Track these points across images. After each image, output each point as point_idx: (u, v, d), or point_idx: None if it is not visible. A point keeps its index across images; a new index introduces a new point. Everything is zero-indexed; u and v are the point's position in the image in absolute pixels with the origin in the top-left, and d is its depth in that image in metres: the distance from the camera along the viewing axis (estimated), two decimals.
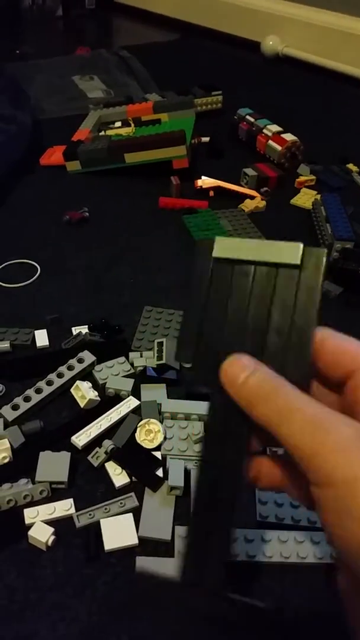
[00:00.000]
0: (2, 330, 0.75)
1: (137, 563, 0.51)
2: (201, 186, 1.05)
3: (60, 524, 0.54)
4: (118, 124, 1.23)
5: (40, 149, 1.18)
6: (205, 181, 1.06)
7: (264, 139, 1.16)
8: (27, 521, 0.54)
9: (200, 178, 1.06)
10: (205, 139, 1.23)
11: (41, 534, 0.52)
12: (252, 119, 1.22)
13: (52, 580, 0.51)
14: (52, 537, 0.52)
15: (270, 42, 1.80)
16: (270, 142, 1.15)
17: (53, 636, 0.47)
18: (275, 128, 1.17)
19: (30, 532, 0.52)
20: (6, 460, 0.59)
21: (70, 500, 0.56)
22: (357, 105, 1.46)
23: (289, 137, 1.13)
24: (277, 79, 1.64)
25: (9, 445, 0.59)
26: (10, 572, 0.51)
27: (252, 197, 1.04)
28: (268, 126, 1.18)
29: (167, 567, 0.51)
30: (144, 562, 0.52)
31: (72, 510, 0.55)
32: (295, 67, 1.73)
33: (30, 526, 0.54)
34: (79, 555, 0.53)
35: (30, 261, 0.88)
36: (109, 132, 1.20)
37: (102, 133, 1.21)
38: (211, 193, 1.06)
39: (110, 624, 0.48)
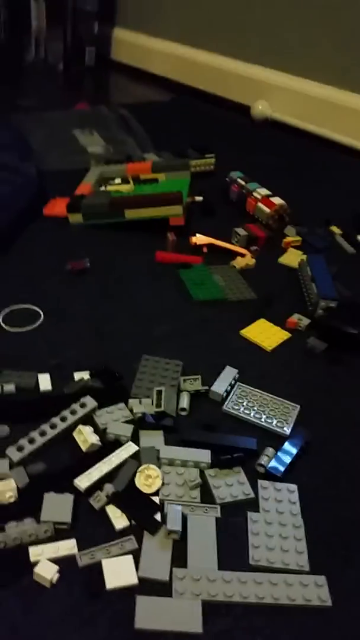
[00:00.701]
0: (6, 373, 0.78)
1: (137, 602, 0.54)
2: (195, 243, 1.12)
3: (63, 562, 0.57)
4: (118, 180, 1.30)
5: (43, 199, 1.24)
6: (199, 238, 1.13)
7: (254, 201, 1.25)
8: (32, 558, 0.57)
9: (195, 235, 1.13)
10: (199, 198, 1.31)
11: (46, 572, 0.55)
12: (242, 182, 1.30)
13: (55, 616, 0.53)
14: (57, 575, 0.55)
15: (260, 107, 1.92)
16: (260, 204, 1.23)
17: None
18: (264, 191, 1.25)
19: (36, 569, 0.55)
20: (12, 500, 0.62)
21: (73, 541, 0.59)
22: (339, 170, 1.57)
23: (277, 200, 1.22)
24: (266, 142, 1.75)
25: (14, 485, 0.62)
26: (14, 608, 0.54)
27: (242, 255, 1.11)
28: (258, 189, 1.26)
29: (166, 606, 0.54)
30: (143, 601, 0.55)
31: (75, 550, 0.58)
32: (283, 131, 1.84)
33: (34, 563, 0.56)
34: (81, 592, 0.55)
35: (34, 307, 0.93)
36: (110, 188, 1.27)
37: (103, 188, 1.28)
38: (205, 249, 1.12)
39: None
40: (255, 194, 1.25)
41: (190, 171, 1.32)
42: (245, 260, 1.09)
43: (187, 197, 1.20)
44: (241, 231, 1.15)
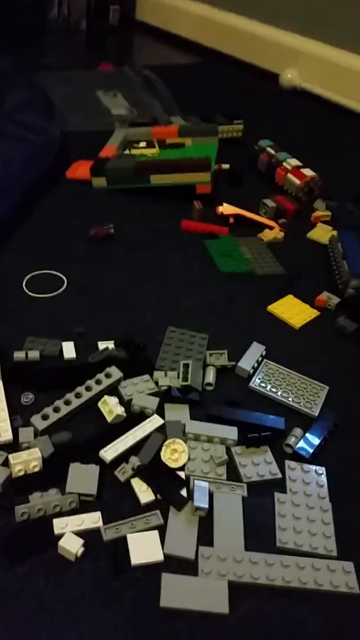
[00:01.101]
0: (31, 340, 0.76)
1: (163, 580, 0.53)
2: (222, 212, 1.09)
3: (87, 536, 0.56)
4: (142, 144, 1.26)
5: (65, 161, 1.21)
6: (226, 208, 1.09)
7: (283, 171, 1.20)
8: (57, 531, 0.56)
9: (222, 204, 1.10)
10: (226, 166, 1.26)
11: (71, 545, 0.54)
12: (272, 151, 1.25)
13: (80, 591, 0.52)
14: (82, 549, 0.54)
15: (289, 75, 1.85)
16: (289, 175, 1.18)
17: None
18: (294, 162, 1.21)
19: (61, 543, 0.54)
20: (37, 469, 0.60)
21: (98, 514, 0.58)
22: None
23: (307, 172, 1.17)
24: (294, 112, 1.69)
25: (40, 454, 0.61)
26: (38, 580, 0.53)
27: (270, 227, 1.07)
28: (288, 160, 1.21)
29: (191, 585, 0.53)
30: (169, 579, 0.53)
31: (100, 523, 0.57)
32: (311, 101, 1.78)
33: (59, 536, 0.55)
34: (105, 567, 0.54)
35: (57, 273, 0.90)
36: (134, 152, 1.23)
37: (127, 152, 1.23)
38: (231, 220, 1.09)
39: (136, 637, 0.50)
40: (285, 164, 1.20)
41: (218, 137, 1.27)
42: (274, 233, 1.05)
43: (214, 164, 1.16)
44: (269, 202, 1.11)
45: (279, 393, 0.74)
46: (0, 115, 1.17)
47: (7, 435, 0.63)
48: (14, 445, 0.63)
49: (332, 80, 1.77)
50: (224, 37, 2.07)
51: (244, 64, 2.01)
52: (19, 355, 0.73)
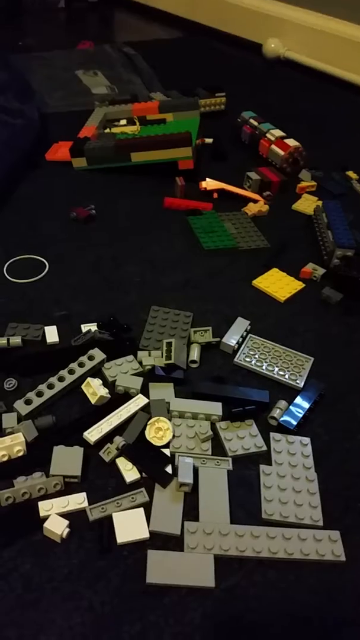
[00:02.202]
0: (13, 325, 0.76)
1: (149, 556, 0.54)
2: (205, 188, 1.07)
3: (73, 517, 0.56)
4: (123, 121, 1.24)
5: (45, 143, 1.19)
6: (209, 183, 1.08)
7: (267, 143, 1.18)
8: (42, 513, 0.56)
9: (205, 180, 1.08)
10: (209, 141, 1.25)
11: (56, 527, 0.54)
12: (255, 123, 1.23)
13: (66, 571, 0.53)
14: (67, 530, 0.54)
15: (272, 45, 1.81)
16: (273, 146, 1.17)
17: (68, 624, 0.49)
18: (278, 133, 1.19)
19: (46, 525, 0.54)
20: (20, 454, 0.61)
21: (83, 494, 0.58)
22: (357, 112, 1.48)
23: (291, 142, 1.15)
24: (278, 82, 1.66)
25: (23, 439, 0.61)
26: (25, 563, 0.53)
27: (255, 201, 1.06)
28: (271, 130, 1.19)
29: (177, 561, 0.54)
30: (155, 556, 0.54)
31: (85, 504, 0.57)
32: (296, 71, 1.74)
33: (44, 518, 0.55)
34: (92, 547, 0.55)
35: (38, 257, 0.90)
36: (114, 130, 1.21)
37: (107, 130, 1.22)
38: (215, 195, 1.07)
39: (123, 613, 0.50)
40: (268, 136, 1.18)
41: (200, 111, 1.25)
42: (258, 206, 1.04)
43: (197, 139, 1.14)
44: (253, 175, 1.09)
45: (264, 366, 0.74)
46: None
47: None
48: None
49: (316, 48, 1.74)
50: (205, 10, 2.03)
51: (226, 35, 1.97)
52: (0, 341, 0.73)
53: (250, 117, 1.26)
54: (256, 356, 0.75)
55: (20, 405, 0.65)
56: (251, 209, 1.04)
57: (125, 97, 1.34)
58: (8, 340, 0.73)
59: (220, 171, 1.13)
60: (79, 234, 0.97)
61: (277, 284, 0.87)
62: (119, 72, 1.60)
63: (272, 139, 1.18)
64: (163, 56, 1.72)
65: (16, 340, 0.73)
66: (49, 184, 1.09)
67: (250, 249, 0.95)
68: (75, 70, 1.59)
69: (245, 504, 0.59)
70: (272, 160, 1.18)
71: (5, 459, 0.60)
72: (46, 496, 0.58)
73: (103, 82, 1.53)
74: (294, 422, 0.66)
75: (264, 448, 0.64)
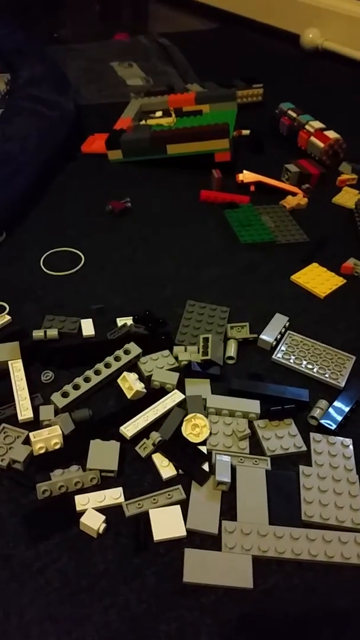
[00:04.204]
0: (49, 318, 0.76)
1: (186, 555, 0.53)
2: (242, 180, 1.05)
3: (109, 512, 0.56)
4: (159, 113, 1.23)
5: (81, 135, 1.18)
6: (246, 175, 1.06)
7: (306, 135, 1.16)
8: (78, 508, 0.56)
9: (242, 172, 1.06)
10: (246, 132, 1.22)
11: (93, 521, 0.54)
12: (294, 114, 1.21)
13: (102, 567, 0.52)
14: (104, 525, 0.54)
15: (310, 35, 1.77)
16: (313, 138, 1.14)
17: (105, 621, 0.49)
18: (317, 124, 1.16)
19: (83, 519, 0.54)
20: (57, 446, 0.60)
21: (120, 489, 0.57)
22: None
23: (331, 134, 1.13)
24: (316, 73, 1.62)
25: (60, 432, 0.61)
26: (61, 557, 0.53)
27: (293, 194, 1.04)
28: (310, 122, 1.17)
29: (215, 560, 0.53)
30: (192, 555, 0.53)
31: (122, 499, 0.56)
32: (334, 62, 1.70)
33: (80, 513, 0.55)
34: (128, 543, 0.54)
35: (74, 250, 0.89)
36: (150, 122, 1.20)
37: (143, 122, 1.20)
38: (252, 188, 1.05)
39: (160, 612, 0.49)
40: (307, 127, 1.16)
41: (237, 102, 1.23)
42: (297, 199, 1.01)
43: (234, 130, 1.12)
44: (292, 168, 1.07)
45: (303, 364, 0.72)
46: (15, 91, 1.16)
47: (28, 414, 0.63)
48: (34, 424, 0.63)
49: (356, 37, 1.69)
50: (242, 0, 2.00)
51: (262, 26, 1.93)
52: (37, 333, 0.73)
53: (288, 108, 1.23)
54: (295, 353, 0.73)
55: (57, 398, 0.64)
56: (289, 202, 1.01)
57: (161, 89, 1.33)
58: (45, 332, 0.73)
59: (258, 163, 1.11)
60: (114, 226, 0.96)
61: (317, 280, 0.85)
62: (154, 63, 1.58)
63: (312, 130, 1.15)
64: (198, 47, 1.70)
65: (53, 332, 0.73)
66: (85, 176, 1.09)
67: (288, 243, 0.93)
68: (110, 62, 1.58)
69: (284, 505, 0.58)
70: (311, 153, 1.15)
71: (42, 451, 0.60)
72: (82, 490, 0.57)
73: (138, 73, 1.52)
74: (336, 423, 0.64)
75: (304, 448, 0.62)
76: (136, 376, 0.68)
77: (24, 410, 0.64)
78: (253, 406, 0.65)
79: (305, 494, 0.58)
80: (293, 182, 1.07)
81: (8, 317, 0.76)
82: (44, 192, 1.03)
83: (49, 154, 1.06)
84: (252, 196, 1.03)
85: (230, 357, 0.73)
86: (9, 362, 0.68)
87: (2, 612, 0.49)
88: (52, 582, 0.51)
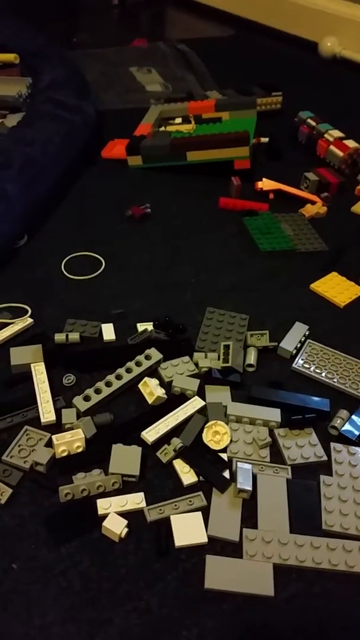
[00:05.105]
0: (71, 322, 0.76)
1: (207, 561, 0.53)
2: (262, 188, 1.06)
3: (130, 516, 0.56)
4: (178, 120, 1.23)
5: (101, 140, 1.19)
6: (265, 183, 1.06)
7: (325, 143, 1.16)
8: (100, 512, 0.56)
9: (261, 180, 1.07)
10: (265, 140, 1.23)
11: (115, 526, 0.54)
12: (313, 123, 1.21)
13: (124, 572, 0.53)
14: (126, 530, 0.54)
15: (328, 44, 1.77)
16: (332, 147, 1.14)
17: (126, 625, 0.49)
18: (337, 133, 1.16)
19: (105, 523, 0.54)
20: (80, 450, 0.61)
21: (142, 494, 0.58)
22: None
23: (351, 143, 1.13)
24: (334, 82, 1.63)
25: (83, 435, 0.61)
26: (83, 561, 0.53)
27: (312, 202, 1.04)
28: (330, 131, 1.17)
29: (236, 567, 0.53)
30: (213, 561, 0.53)
31: (143, 504, 0.57)
32: (353, 70, 1.71)
33: (102, 516, 0.55)
34: (149, 548, 0.54)
35: (95, 254, 0.90)
36: (169, 128, 1.21)
37: (163, 128, 1.21)
38: (271, 195, 1.06)
39: (182, 617, 0.50)
40: (326, 136, 1.16)
41: (256, 110, 1.23)
42: (316, 208, 1.02)
43: (253, 138, 1.13)
44: (311, 176, 1.07)
45: (324, 374, 0.72)
46: (36, 94, 1.17)
47: (51, 416, 0.64)
48: (57, 426, 0.64)
49: None
50: (259, 7, 2.00)
51: (280, 34, 1.94)
52: (59, 337, 0.74)
53: (307, 117, 1.23)
54: (315, 362, 0.73)
55: (79, 402, 0.65)
56: (308, 210, 1.02)
57: (180, 95, 1.34)
58: (67, 335, 0.73)
59: (276, 172, 1.11)
60: (134, 232, 0.97)
61: (336, 289, 0.85)
62: (173, 69, 1.59)
63: (331, 139, 1.16)
64: (216, 54, 1.70)
65: (74, 336, 0.74)
66: (105, 181, 1.10)
67: (307, 252, 0.93)
68: (129, 67, 1.59)
69: (305, 514, 0.58)
70: (330, 161, 1.15)
71: (64, 454, 0.60)
72: (104, 494, 0.58)
73: (157, 79, 1.53)
74: (357, 433, 0.64)
75: (324, 458, 0.62)
76: (157, 381, 0.68)
77: (46, 412, 0.64)
78: (274, 414, 0.65)
79: (325, 504, 0.58)
80: (312, 190, 1.07)
81: (30, 320, 0.76)
82: (64, 196, 1.04)
83: (69, 159, 1.07)
84: (271, 204, 1.04)
85: (250, 365, 0.73)
86: (32, 365, 0.69)
87: (25, 613, 0.50)
88: (74, 584, 0.52)
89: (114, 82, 1.51)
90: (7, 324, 0.76)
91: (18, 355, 0.70)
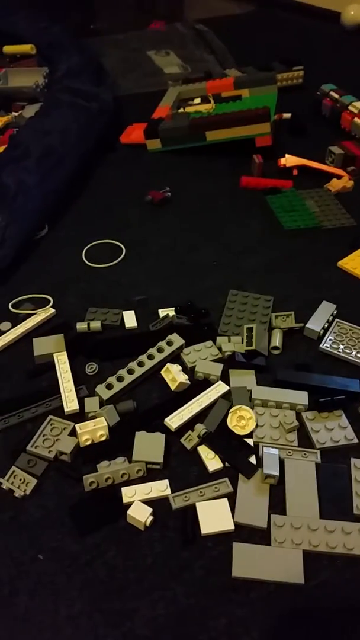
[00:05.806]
0: (92, 310, 0.76)
1: (234, 549, 0.52)
2: (285, 165, 1.02)
3: (155, 504, 0.55)
4: (197, 100, 1.21)
5: (119, 126, 1.18)
6: (289, 159, 1.03)
7: (350, 116, 1.12)
8: (125, 500, 0.55)
9: (284, 156, 1.03)
10: (287, 116, 1.19)
11: (140, 514, 0.53)
12: (336, 95, 1.17)
13: (150, 561, 0.52)
14: (151, 518, 0.53)
15: (352, 12, 1.71)
16: (357, 119, 1.10)
17: (153, 614, 0.48)
18: None
19: (130, 512, 0.54)
20: (103, 438, 0.60)
21: (166, 482, 0.57)
22: None
23: None
24: (358, 51, 1.57)
25: (106, 423, 0.60)
26: (109, 550, 0.53)
27: (338, 177, 1.00)
28: (354, 103, 1.13)
29: (264, 555, 0.51)
30: (240, 549, 0.52)
31: (168, 492, 0.56)
32: None
33: (127, 505, 0.55)
34: (175, 537, 0.53)
35: (115, 241, 0.89)
36: (188, 109, 1.18)
37: (181, 110, 1.19)
38: (295, 172, 1.02)
39: (209, 606, 0.49)
40: (351, 108, 1.12)
41: (277, 85, 1.19)
42: (342, 182, 0.98)
43: (274, 114, 1.09)
44: (336, 150, 1.03)
45: (353, 354, 0.69)
46: (53, 84, 1.16)
47: (74, 405, 0.63)
48: (80, 415, 0.63)
49: None
50: None
51: (300, 5, 1.87)
52: (81, 326, 0.73)
53: (330, 89, 1.19)
54: (344, 342, 0.71)
55: (102, 390, 0.64)
56: (334, 185, 0.98)
57: (199, 75, 1.31)
58: (88, 324, 0.73)
59: (300, 147, 1.07)
60: (154, 217, 0.95)
61: None
62: (192, 50, 1.56)
63: (355, 111, 1.11)
64: (236, 31, 1.66)
65: (96, 324, 0.73)
66: (124, 167, 1.08)
67: (334, 228, 0.90)
68: (147, 51, 1.57)
69: (335, 499, 0.56)
70: (355, 134, 1.11)
71: (88, 442, 0.60)
72: (129, 482, 0.57)
73: (175, 61, 1.50)
74: None
75: (355, 441, 0.60)
76: (179, 367, 0.67)
77: (69, 402, 0.64)
78: (301, 397, 0.63)
79: (357, 488, 0.56)
80: (338, 164, 1.03)
81: (52, 310, 0.76)
82: (84, 184, 1.03)
83: (88, 146, 1.06)
84: (295, 180, 1.00)
85: (276, 347, 0.71)
86: (54, 355, 0.69)
87: (52, 604, 0.49)
88: (100, 574, 0.51)
89: (133, 67, 1.49)
90: (29, 315, 0.75)
91: (41, 346, 0.70)
